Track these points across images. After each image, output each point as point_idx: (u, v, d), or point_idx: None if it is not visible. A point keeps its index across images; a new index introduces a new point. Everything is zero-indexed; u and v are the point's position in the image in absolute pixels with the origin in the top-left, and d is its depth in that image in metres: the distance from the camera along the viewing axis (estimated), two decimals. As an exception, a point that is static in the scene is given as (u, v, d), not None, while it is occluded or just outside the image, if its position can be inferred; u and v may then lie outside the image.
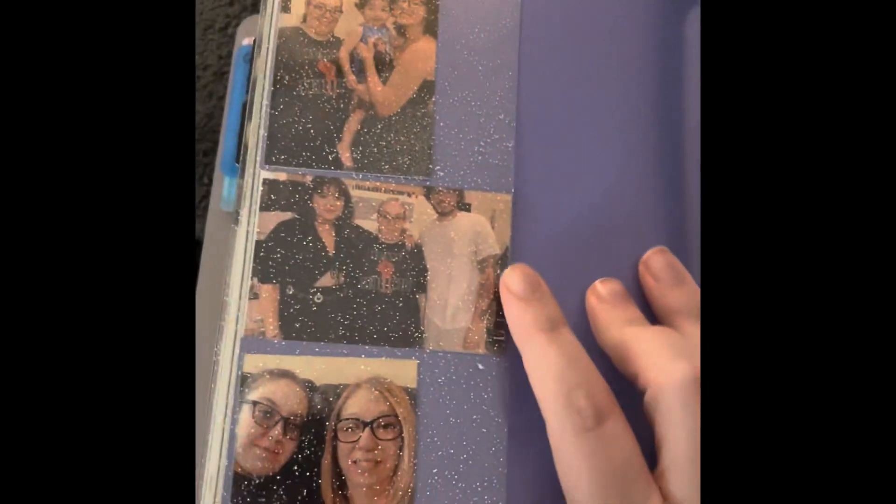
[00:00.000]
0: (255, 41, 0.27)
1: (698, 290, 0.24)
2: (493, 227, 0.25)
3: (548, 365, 0.22)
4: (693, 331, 0.23)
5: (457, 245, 0.24)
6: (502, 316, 0.24)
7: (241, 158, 0.25)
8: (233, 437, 0.23)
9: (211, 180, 0.28)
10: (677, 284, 0.24)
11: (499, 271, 0.24)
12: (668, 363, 0.22)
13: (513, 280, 0.23)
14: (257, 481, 0.23)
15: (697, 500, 0.21)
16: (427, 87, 0.25)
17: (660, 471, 0.22)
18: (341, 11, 0.26)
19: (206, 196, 0.29)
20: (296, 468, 0.23)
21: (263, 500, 0.22)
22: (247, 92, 0.27)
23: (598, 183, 0.25)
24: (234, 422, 0.23)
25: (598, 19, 0.26)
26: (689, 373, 0.21)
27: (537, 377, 0.22)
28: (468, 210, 0.25)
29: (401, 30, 0.26)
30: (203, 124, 0.30)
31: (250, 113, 0.25)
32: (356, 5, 0.26)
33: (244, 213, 0.24)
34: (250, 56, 0.28)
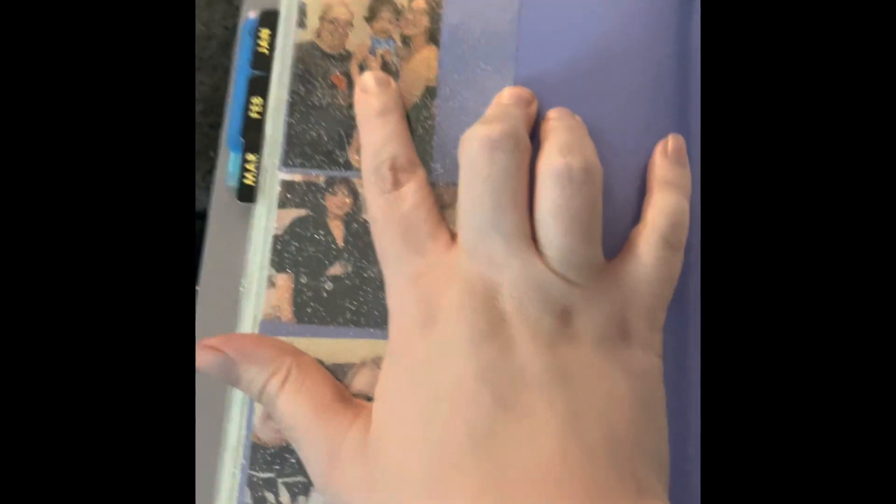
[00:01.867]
0: (269, 47, 0.28)
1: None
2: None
3: (369, 142, 0.26)
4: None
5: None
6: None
7: (257, 160, 0.28)
8: (251, 410, 0.25)
9: (217, 153, 0.28)
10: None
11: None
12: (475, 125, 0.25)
13: (363, 77, 0.27)
14: (272, 451, 0.25)
15: (479, 244, 0.23)
16: (430, 93, 0.27)
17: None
18: (352, 25, 0.28)
19: (212, 170, 0.29)
20: (307, 439, 0.25)
21: (278, 467, 0.25)
22: (252, 67, 0.28)
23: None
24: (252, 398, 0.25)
25: (596, 20, 0.27)
26: (483, 132, 0.24)
27: (363, 153, 0.26)
28: (467, 203, 0.26)
29: (406, 40, 0.28)
30: (208, 96, 0.30)
31: (265, 115, 0.28)
32: (365, 18, 0.28)
33: (262, 209, 0.27)
34: (255, 31, 0.29)
